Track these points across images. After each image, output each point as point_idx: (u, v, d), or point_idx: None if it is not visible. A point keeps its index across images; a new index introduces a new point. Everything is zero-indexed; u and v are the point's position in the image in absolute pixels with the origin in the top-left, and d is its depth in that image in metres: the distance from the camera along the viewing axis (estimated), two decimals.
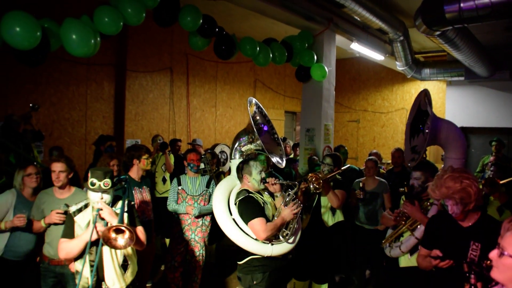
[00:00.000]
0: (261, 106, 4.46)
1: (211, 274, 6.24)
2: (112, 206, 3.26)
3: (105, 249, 3.11)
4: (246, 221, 3.62)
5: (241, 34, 7.58)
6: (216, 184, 4.72)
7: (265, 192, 3.90)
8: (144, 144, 8.26)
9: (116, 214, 3.17)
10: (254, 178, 3.77)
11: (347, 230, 5.77)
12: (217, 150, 9.85)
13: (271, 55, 6.69)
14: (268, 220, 3.63)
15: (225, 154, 9.99)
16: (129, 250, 3.22)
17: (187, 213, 5.09)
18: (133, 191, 4.60)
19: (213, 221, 6.19)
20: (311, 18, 7.28)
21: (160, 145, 7.03)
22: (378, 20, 7.29)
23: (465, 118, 11.13)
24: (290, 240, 3.72)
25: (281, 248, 3.67)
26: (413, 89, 12.62)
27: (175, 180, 5.32)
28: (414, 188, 4.08)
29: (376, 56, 9.74)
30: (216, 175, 5.46)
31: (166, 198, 5.46)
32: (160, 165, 7.09)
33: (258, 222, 3.55)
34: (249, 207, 3.65)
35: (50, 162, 4.17)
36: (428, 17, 5.93)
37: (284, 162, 4.31)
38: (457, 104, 11.45)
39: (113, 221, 3.06)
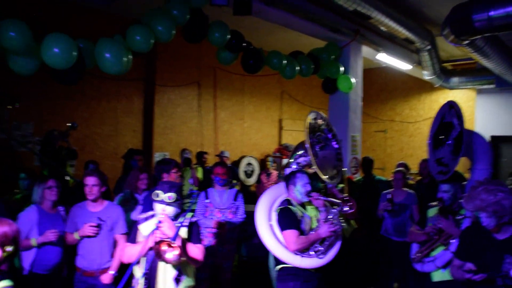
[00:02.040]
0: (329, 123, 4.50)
1: (237, 286, 6.25)
2: (176, 220, 3.27)
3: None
4: (281, 229, 3.72)
5: (268, 47, 7.65)
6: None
7: (311, 205, 3.94)
8: (172, 157, 8.40)
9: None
10: (298, 190, 3.83)
11: (373, 242, 5.74)
12: (244, 162, 9.91)
13: (297, 68, 6.74)
14: (304, 233, 3.68)
15: (252, 166, 10.04)
16: (185, 264, 3.24)
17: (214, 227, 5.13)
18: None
19: (242, 233, 6.25)
20: (337, 30, 7.31)
21: (183, 161, 7.14)
22: (405, 30, 7.27)
23: (496, 127, 10.89)
24: (322, 256, 3.73)
25: (310, 262, 3.69)
26: (441, 98, 12.42)
27: (202, 194, 5.37)
28: (444, 201, 4.06)
29: (403, 65, 9.67)
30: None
31: (193, 211, 5.51)
32: (187, 179, 7.18)
33: (290, 233, 3.63)
34: (286, 217, 3.73)
35: (83, 176, 4.29)
36: (456, 27, 5.88)
37: (335, 181, 4.35)
38: (487, 113, 11.22)
39: (170, 235, 3.07)
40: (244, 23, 7.71)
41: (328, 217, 3.75)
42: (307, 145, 4.15)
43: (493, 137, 10.81)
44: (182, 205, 3.37)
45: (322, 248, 3.71)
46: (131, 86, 8.60)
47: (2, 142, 6.75)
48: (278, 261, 3.79)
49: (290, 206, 3.78)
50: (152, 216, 3.36)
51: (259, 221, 3.87)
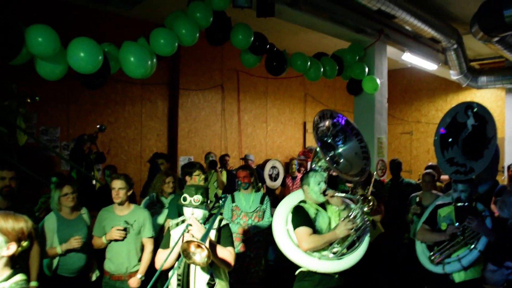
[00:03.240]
0: (341, 120, 4.40)
1: None
2: (205, 223, 3.26)
3: (193, 265, 3.13)
4: (294, 228, 3.60)
5: (291, 49, 7.60)
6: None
7: (332, 205, 3.76)
8: (196, 160, 8.42)
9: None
10: (312, 189, 3.70)
11: (400, 246, 5.63)
12: (269, 165, 9.84)
13: (322, 69, 6.68)
14: (320, 232, 3.55)
15: (276, 170, 9.97)
16: (219, 268, 3.23)
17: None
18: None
19: (269, 236, 6.20)
20: (361, 31, 7.21)
21: (209, 164, 7.13)
22: (430, 29, 7.13)
23: None
24: (344, 258, 3.54)
25: (328, 265, 3.50)
26: (469, 98, 12.16)
27: (229, 197, 5.34)
28: (461, 200, 4.02)
29: (428, 65, 9.50)
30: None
31: None
32: (212, 182, 7.18)
33: (302, 230, 3.51)
34: (297, 215, 3.62)
35: (109, 180, 4.32)
36: (486, 23, 5.73)
37: (359, 179, 4.24)
38: None
39: (199, 237, 3.04)
40: (267, 25, 7.68)
41: (348, 215, 3.59)
42: (318, 145, 4.05)
43: None
44: (209, 207, 3.34)
45: (340, 249, 3.53)
46: (155, 90, 8.67)
47: (30, 147, 6.86)
48: (297, 266, 3.65)
49: (302, 204, 3.68)
50: (183, 221, 3.35)
51: (275, 226, 3.78)
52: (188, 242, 2.87)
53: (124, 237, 4.03)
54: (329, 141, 4.45)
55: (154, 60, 4.67)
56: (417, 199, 5.61)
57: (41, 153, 7.16)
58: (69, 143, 7.28)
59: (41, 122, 7.18)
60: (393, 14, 6.40)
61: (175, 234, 3.30)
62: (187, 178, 4.87)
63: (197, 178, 4.82)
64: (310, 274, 3.56)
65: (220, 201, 3.57)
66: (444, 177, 7.13)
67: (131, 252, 4.09)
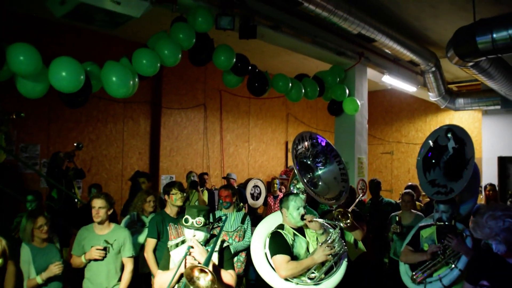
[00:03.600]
0: (321, 142, 4.43)
1: None
2: (206, 245, 3.22)
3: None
4: (271, 255, 3.57)
5: (273, 70, 7.72)
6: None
7: (311, 230, 3.71)
8: (178, 179, 8.40)
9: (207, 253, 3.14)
10: (290, 214, 3.66)
11: (380, 264, 5.68)
12: (251, 184, 9.88)
13: (303, 90, 6.78)
14: (298, 259, 3.53)
15: (258, 189, 10.00)
16: None
17: None
18: (168, 227, 4.64)
19: (249, 256, 6.18)
20: (342, 53, 7.36)
21: (190, 184, 7.13)
22: (409, 52, 7.32)
23: (503, 148, 10.83)
24: (321, 284, 3.50)
25: None
26: (447, 119, 12.43)
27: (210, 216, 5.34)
28: (442, 221, 4.11)
29: (408, 87, 9.70)
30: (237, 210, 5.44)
31: None
32: (194, 202, 7.17)
33: (280, 258, 3.47)
34: (274, 242, 3.59)
35: (90, 199, 4.28)
36: (460, 49, 5.91)
37: (337, 202, 4.26)
38: (493, 134, 11.17)
39: (202, 260, 3.01)
40: (250, 46, 7.81)
41: (326, 239, 3.55)
42: (296, 168, 4.08)
43: (500, 158, 10.75)
44: (211, 229, 3.32)
45: (317, 274, 3.49)
46: (137, 108, 8.67)
47: (9, 164, 6.79)
48: None
49: (280, 230, 3.64)
50: (183, 241, 3.31)
51: (253, 248, 3.75)
52: (192, 267, 2.84)
53: (104, 257, 4.00)
54: (308, 162, 4.50)
55: (136, 80, 4.69)
56: (397, 218, 5.68)
57: (20, 171, 7.08)
58: (49, 160, 7.23)
59: (21, 139, 7.11)
60: (373, 38, 6.56)
61: (174, 256, 3.25)
62: (166, 197, 4.87)
63: (173, 197, 4.80)
64: None
65: (220, 222, 3.53)
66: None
67: (111, 271, 4.06)
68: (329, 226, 3.72)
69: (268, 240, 3.69)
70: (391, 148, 13.57)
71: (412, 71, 9.61)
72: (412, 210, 5.81)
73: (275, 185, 8.52)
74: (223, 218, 3.61)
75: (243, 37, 5.48)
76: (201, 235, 3.17)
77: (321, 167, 4.47)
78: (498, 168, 10.94)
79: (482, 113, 11.44)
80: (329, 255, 3.46)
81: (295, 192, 4.18)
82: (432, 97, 9.91)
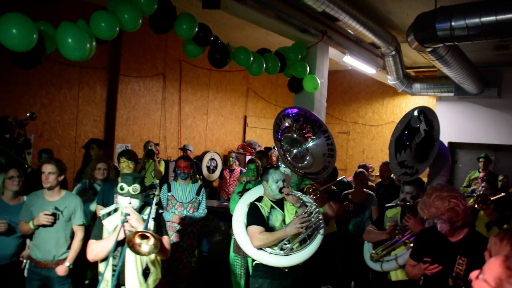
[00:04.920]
0: (307, 115, 4.42)
1: (196, 281, 6.23)
2: (140, 213, 3.22)
3: (129, 254, 3.08)
4: (247, 225, 3.71)
5: (236, 43, 7.62)
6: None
7: (290, 203, 3.79)
8: (134, 149, 8.27)
9: (144, 220, 3.13)
10: (270, 186, 3.74)
11: (337, 241, 5.83)
12: (207, 157, 9.88)
13: (264, 65, 6.75)
14: (273, 230, 3.63)
15: (215, 162, 10.01)
16: (152, 257, 3.18)
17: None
18: (114, 196, 4.58)
19: (203, 228, 6.22)
20: (305, 31, 7.36)
21: (146, 152, 7.04)
22: (371, 34, 7.39)
23: (454, 134, 11.26)
24: (292, 255, 3.61)
25: (277, 260, 3.60)
26: (404, 103, 12.77)
27: (165, 186, 5.32)
28: (406, 201, 4.19)
29: (368, 69, 9.85)
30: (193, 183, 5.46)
31: None
32: (150, 171, 7.09)
33: (253, 229, 3.61)
34: (250, 213, 3.71)
35: (40, 164, 4.15)
36: (420, 34, 6.03)
37: (319, 177, 4.30)
38: (446, 120, 11.53)
39: (140, 227, 3.01)
40: (213, 17, 7.68)
41: (301, 213, 3.65)
42: (277, 145, 4.12)
43: (450, 143, 11.18)
44: (144, 197, 3.31)
45: (289, 245, 3.60)
46: (94, 74, 8.39)
47: None
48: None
49: (257, 203, 3.74)
50: (115, 210, 3.29)
51: (235, 218, 3.89)
52: (133, 233, 2.84)
53: (53, 223, 3.90)
54: (295, 136, 4.52)
55: (94, 43, 4.52)
56: (349, 196, 5.84)
57: None
58: None
59: None
60: (336, 17, 6.57)
61: (108, 224, 3.23)
62: (118, 165, 4.80)
63: (121, 165, 4.74)
64: (263, 266, 3.68)
65: (154, 189, 3.53)
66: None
67: (60, 239, 3.98)
68: (307, 200, 3.80)
69: (246, 210, 3.79)
70: (347, 128, 13.84)
71: (372, 53, 9.75)
72: (364, 189, 5.98)
73: (231, 159, 8.54)
74: (156, 185, 3.66)
75: (207, 7, 5.38)
76: (136, 203, 3.19)
77: (312, 137, 4.50)
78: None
79: (436, 99, 11.80)
80: (301, 228, 3.56)
81: (282, 166, 4.25)
82: (390, 80, 10.13)
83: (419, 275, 3.03)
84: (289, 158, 4.28)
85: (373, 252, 4.25)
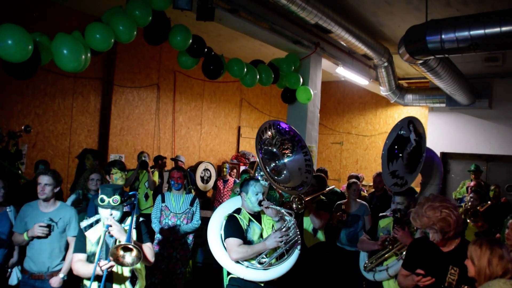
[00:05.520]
0: (287, 130, 4.45)
1: None
2: (121, 222, 3.25)
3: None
4: (224, 237, 3.63)
5: (230, 54, 7.69)
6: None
7: (268, 216, 3.75)
8: (128, 159, 8.27)
9: (125, 230, 3.15)
10: (249, 198, 3.69)
11: (327, 251, 5.83)
12: (201, 167, 9.88)
13: (258, 76, 6.80)
14: (251, 243, 3.57)
15: (208, 172, 10.02)
16: (138, 265, 3.18)
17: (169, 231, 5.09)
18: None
19: (197, 238, 6.21)
20: (298, 42, 7.43)
21: (140, 164, 7.03)
22: (364, 46, 7.48)
23: (446, 144, 11.34)
24: (270, 269, 3.55)
25: (254, 274, 3.53)
26: (396, 114, 12.86)
27: (159, 197, 5.33)
28: (398, 212, 4.22)
29: (360, 80, 9.94)
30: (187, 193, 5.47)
31: (148, 214, 5.45)
32: (143, 182, 7.09)
33: (232, 241, 3.53)
34: (229, 225, 3.63)
35: (36, 175, 4.14)
36: (411, 47, 6.11)
37: (297, 192, 4.30)
38: (438, 130, 11.68)
39: (122, 238, 3.05)
40: (207, 29, 7.75)
41: (281, 227, 3.62)
42: (260, 157, 4.13)
43: (443, 154, 11.26)
44: (124, 207, 3.34)
45: (267, 260, 3.55)
46: (88, 84, 8.42)
47: None
48: (229, 271, 3.68)
49: (236, 215, 3.68)
50: (97, 221, 3.31)
51: (210, 229, 3.81)
52: (116, 247, 2.88)
53: (48, 235, 3.89)
54: (274, 150, 4.54)
55: (89, 54, 4.55)
56: (342, 207, 5.86)
57: None
58: None
59: None
60: (329, 29, 6.65)
61: (90, 236, 3.24)
62: (107, 177, 4.81)
63: (114, 177, 4.76)
64: (238, 280, 3.59)
65: (133, 199, 3.54)
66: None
67: (54, 251, 3.94)
68: (286, 214, 3.73)
69: (224, 222, 3.72)
70: (341, 138, 13.90)
71: (365, 65, 9.85)
72: (357, 199, 6.01)
73: (225, 169, 8.56)
74: (137, 194, 3.67)
75: (201, 19, 5.42)
76: (117, 214, 3.21)
77: (288, 155, 4.52)
78: None
79: (428, 109, 11.90)
80: (281, 242, 3.51)
81: (259, 178, 4.22)
82: (383, 91, 10.21)
83: (411, 286, 3.04)
84: (268, 170, 4.28)
85: (367, 261, 4.28)
